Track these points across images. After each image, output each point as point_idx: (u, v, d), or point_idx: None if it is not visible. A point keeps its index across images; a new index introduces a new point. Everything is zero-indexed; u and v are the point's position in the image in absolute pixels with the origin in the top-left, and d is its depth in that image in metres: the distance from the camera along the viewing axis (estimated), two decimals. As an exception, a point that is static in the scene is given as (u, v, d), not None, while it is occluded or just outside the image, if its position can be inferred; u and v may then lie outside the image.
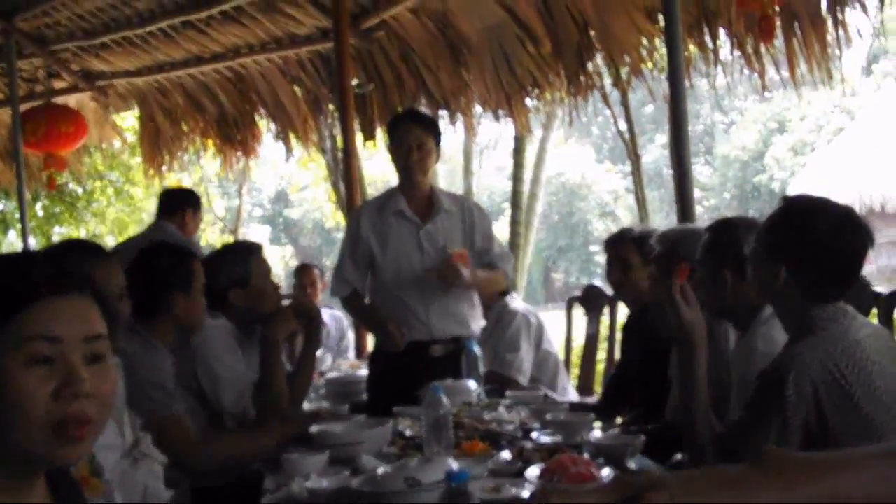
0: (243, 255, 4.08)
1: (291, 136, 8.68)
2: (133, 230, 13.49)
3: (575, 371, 5.93)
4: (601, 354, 5.87)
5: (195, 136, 9.52)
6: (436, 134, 4.40)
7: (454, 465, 2.51)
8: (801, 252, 2.54)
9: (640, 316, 4.28)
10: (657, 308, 3.76)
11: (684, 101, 4.49)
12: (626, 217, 35.73)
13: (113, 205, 13.28)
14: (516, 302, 5.27)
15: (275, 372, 3.89)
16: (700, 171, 40.22)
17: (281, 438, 3.32)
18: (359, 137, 7.73)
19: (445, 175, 13.69)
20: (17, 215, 10.44)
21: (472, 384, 4.12)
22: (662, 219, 29.94)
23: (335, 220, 10.85)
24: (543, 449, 2.99)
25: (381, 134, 7.85)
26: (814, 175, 30.24)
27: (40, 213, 12.85)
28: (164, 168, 9.99)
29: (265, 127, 9.02)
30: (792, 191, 33.05)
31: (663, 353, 3.85)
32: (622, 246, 4.27)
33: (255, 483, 3.05)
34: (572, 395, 5.20)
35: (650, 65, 6.36)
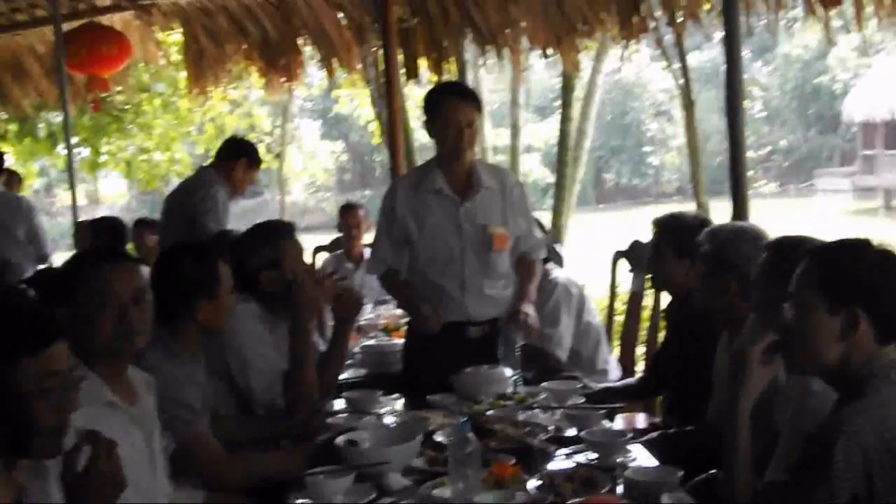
0: (274, 237, 3.98)
1: (335, 64, 8.48)
2: (179, 147, 13.47)
3: (619, 329, 5.78)
4: (646, 313, 5.72)
5: (239, 58, 9.34)
6: (479, 107, 4.21)
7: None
8: (880, 294, 2.34)
9: (680, 303, 4.14)
10: (701, 299, 3.65)
11: (739, 55, 4.29)
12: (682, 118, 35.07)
13: (160, 118, 13.18)
14: (557, 271, 5.11)
15: (305, 362, 3.81)
16: (759, 69, 39.32)
17: (310, 461, 3.24)
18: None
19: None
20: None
21: (507, 371, 4.02)
22: (717, 120, 29.18)
23: (378, 142, 10.65)
24: (575, 478, 2.89)
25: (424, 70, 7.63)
26: (878, 79, 29.48)
27: (89, 125, 12.78)
28: (208, 88, 9.86)
29: (308, 54, 8.81)
30: (855, 94, 32.33)
31: (704, 344, 3.75)
32: (662, 235, 4.13)
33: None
34: (613, 372, 5.08)
35: (707, 6, 6.09)
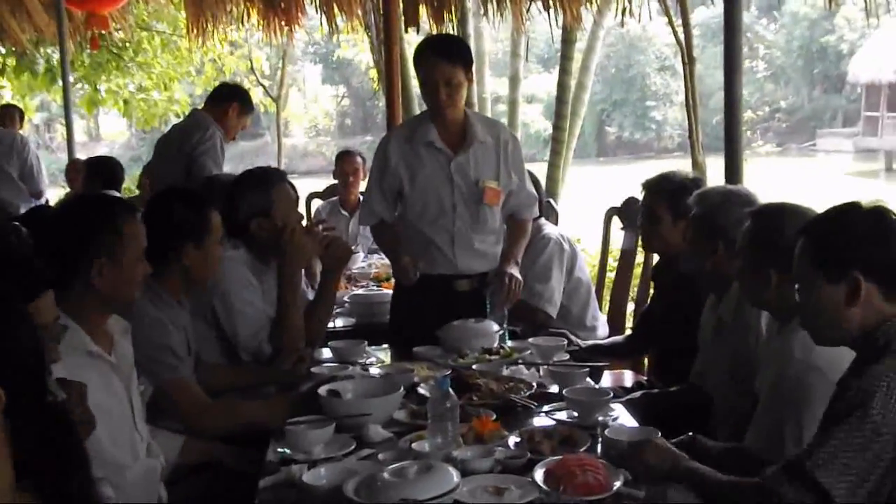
0: (266, 184, 3.96)
1: (335, 10, 8.40)
2: (177, 87, 13.38)
3: (610, 286, 5.78)
4: (638, 269, 5.72)
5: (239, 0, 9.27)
6: (464, 63, 4.09)
7: (455, 476, 2.43)
8: (874, 253, 2.32)
9: (668, 263, 4.14)
10: (689, 261, 3.66)
11: (740, 15, 4.24)
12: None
13: (159, 57, 13.08)
14: (550, 226, 5.09)
15: (292, 310, 3.83)
16: (766, 26, 39.06)
17: (292, 410, 3.25)
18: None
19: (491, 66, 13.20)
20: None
21: (494, 326, 4.02)
22: (721, 76, 29.01)
23: (378, 89, 10.56)
24: (554, 436, 2.90)
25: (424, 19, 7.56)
26: (885, 40, 29.25)
27: (87, 62, 12.70)
28: (208, 29, 9.79)
29: (308, -2, 8.73)
30: (861, 55, 32.11)
31: (690, 306, 3.76)
32: (653, 196, 4.11)
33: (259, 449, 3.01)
34: (602, 329, 5.09)
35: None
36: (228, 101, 6.29)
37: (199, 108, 6.63)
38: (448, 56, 4.05)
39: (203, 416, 3.31)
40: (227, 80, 8.06)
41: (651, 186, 4.15)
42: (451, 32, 7.87)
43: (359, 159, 7.05)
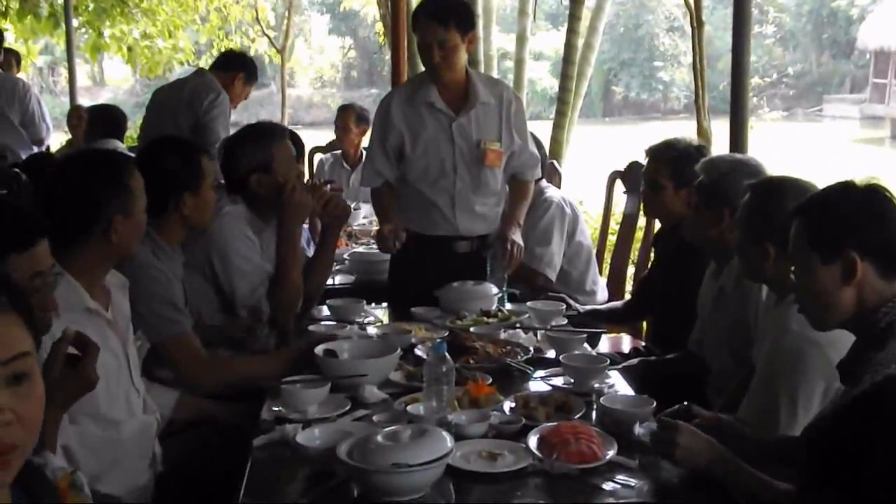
0: (266, 140, 3.93)
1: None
2: (182, 35, 13.26)
3: (611, 249, 5.77)
4: (639, 234, 5.71)
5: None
6: (460, 23, 4.03)
7: (449, 441, 2.42)
8: (869, 232, 2.28)
9: (670, 230, 4.12)
10: (691, 229, 3.64)
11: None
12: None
13: (164, 4, 12.96)
14: (552, 189, 5.07)
15: (290, 267, 3.81)
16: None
17: (287, 366, 3.25)
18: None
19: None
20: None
21: (493, 288, 4.02)
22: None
23: (384, 42, 10.47)
24: (549, 402, 2.90)
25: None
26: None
27: (92, 6, 12.57)
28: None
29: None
30: (871, 21, 31.84)
31: (691, 273, 3.75)
32: (656, 164, 4.08)
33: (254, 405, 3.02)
34: (601, 293, 5.08)
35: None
36: (235, 69, 6.41)
37: (205, 69, 6.66)
38: (441, 19, 4.01)
39: (202, 372, 3.32)
40: (234, 49, 8.04)
41: (654, 153, 4.12)
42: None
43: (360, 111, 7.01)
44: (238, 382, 3.33)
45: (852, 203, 2.31)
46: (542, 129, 5.48)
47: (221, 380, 3.35)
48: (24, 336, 1.45)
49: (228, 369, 3.42)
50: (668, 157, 4.05)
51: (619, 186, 5.44)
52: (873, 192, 2.30)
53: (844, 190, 2.34)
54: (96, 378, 2.30)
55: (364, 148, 6.28)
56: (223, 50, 10.92)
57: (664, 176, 4.04)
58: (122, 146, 6.76)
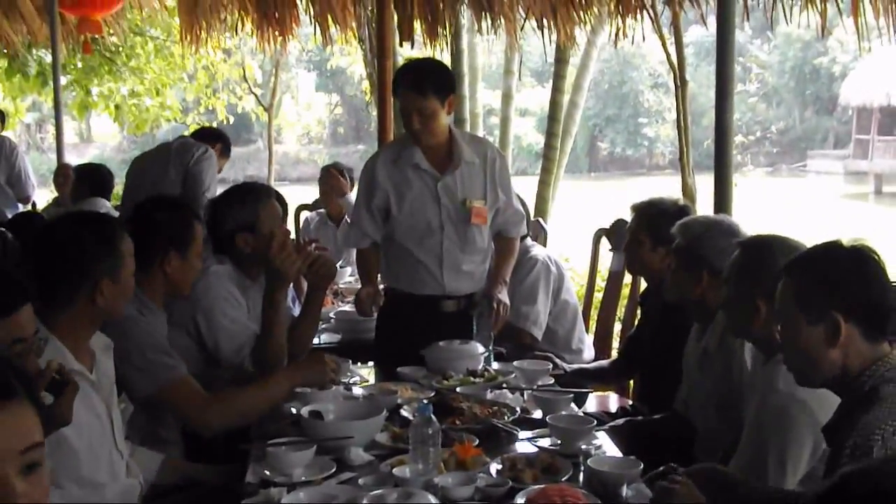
0: (253, 199, 3.94)
1: (329, 20, 8.38)
2: (169, 93, 13.33)
3: (598, 306, 5.77)
4: (625, 291, 5.71)
5: (233, 8, 9.23)
6: (438, 90, 4.06)
7: (433, 501, 2.40)
8: (854, 295, 2.28)
9: (655, 289, 4.13)
10: (671, 291, 3.65)
11: (732, 44, 4.25)
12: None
13: (152, 63, 13.02)
14: (537, 248, 5.08)
15: (275, 327, 3.78)
16: (759, 46, 39.24)
17: (291, 385, 3.29)
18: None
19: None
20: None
21: (479, 348, 4.01)
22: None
23: (371, 100, 10.56)
24: (536, 464, 2.88)
25: (419, 34, 7.53)
26: (877, 64, 29.35)
27: (80, 65, 12.63)
28: (202, 36, 9.77)
29: (304, 7, 8.70)
30: (853, 78, 32.22)
31: (676, 333, 3.75)
32: (638, 220, 4.15)
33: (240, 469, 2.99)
34: (588, 352, 5.07)
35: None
36: (213, 141, 6.55)
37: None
38: (418, 88, 4.05)
39: (207, 410, 3.27)
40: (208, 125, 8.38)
41: (637, 209, 4.18)
42: (445, 47, 7.88)
43: (345, 171, 7.03)
44: (249, 412, 3.32)
45: (838, 265, 2.32)
46: (527, 186, 5.50)
47: (230, 415, 3.30)
48: (37, 426, 1.48)
49: (234, 402, 3.35)
50: (647, 213, 4.13)
51: (605, 244, 5.46)
52: (859, 254, 2.31)
53: (831, 251, 2.35)
54: (70, 417, 2.29)
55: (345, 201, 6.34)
56: (210, 107, 11.00)
57: (642, 232, 4.11)
58: (108, 205, 6.76)
